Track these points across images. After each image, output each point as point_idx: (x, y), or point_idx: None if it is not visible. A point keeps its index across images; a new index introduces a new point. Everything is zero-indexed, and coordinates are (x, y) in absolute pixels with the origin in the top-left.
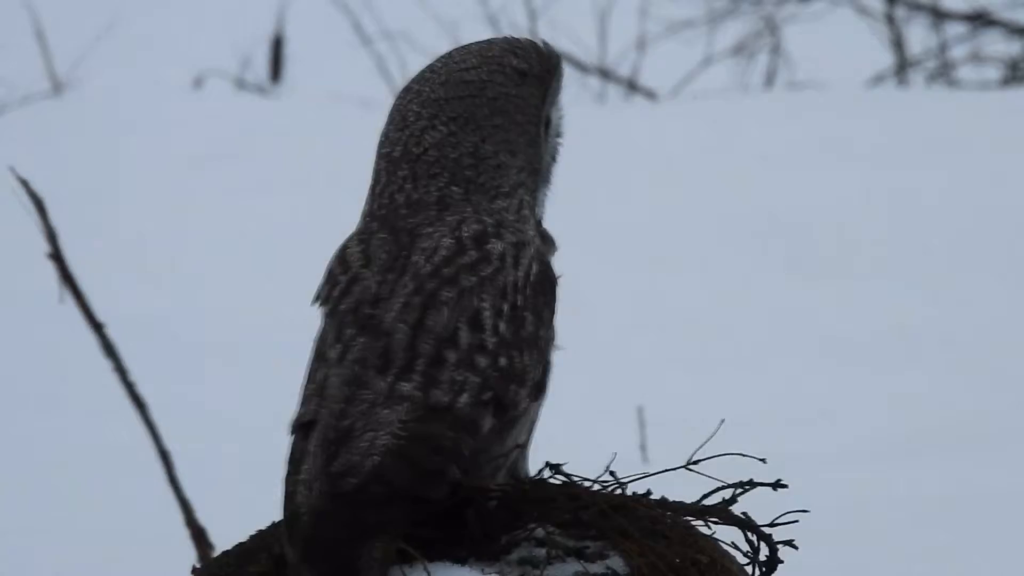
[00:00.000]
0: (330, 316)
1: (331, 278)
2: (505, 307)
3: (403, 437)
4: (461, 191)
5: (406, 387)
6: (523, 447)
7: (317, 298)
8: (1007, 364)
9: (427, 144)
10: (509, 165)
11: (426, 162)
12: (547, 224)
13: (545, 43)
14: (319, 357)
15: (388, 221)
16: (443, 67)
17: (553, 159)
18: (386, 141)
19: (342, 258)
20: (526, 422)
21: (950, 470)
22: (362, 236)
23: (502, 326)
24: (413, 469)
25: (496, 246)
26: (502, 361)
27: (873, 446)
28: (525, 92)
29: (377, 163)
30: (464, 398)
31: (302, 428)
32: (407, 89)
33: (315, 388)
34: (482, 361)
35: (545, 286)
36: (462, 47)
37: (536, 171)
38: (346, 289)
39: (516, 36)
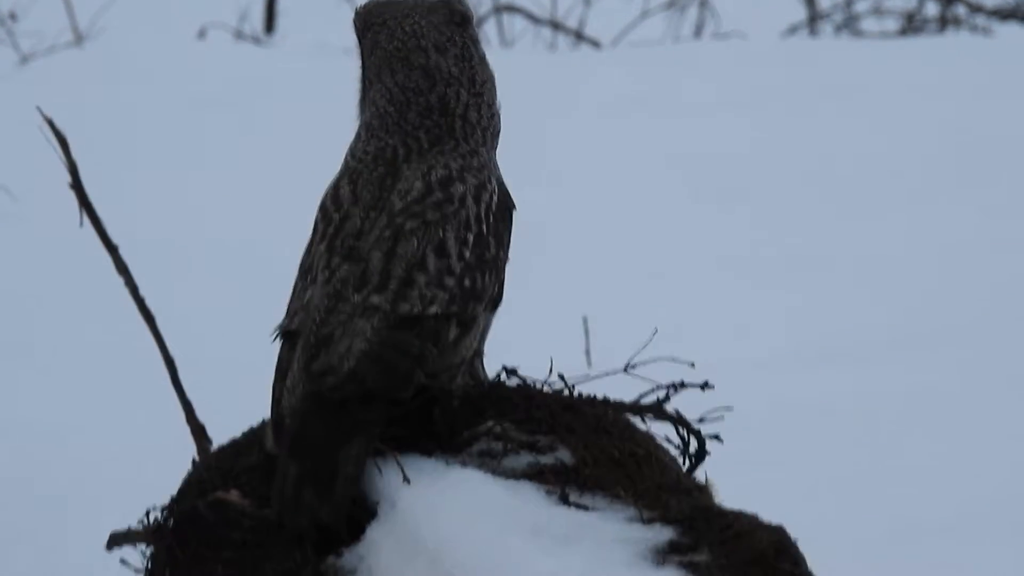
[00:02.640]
0: (325, 248)
1: (326, 214)
2: (469, 236)
3: (375, 343)
4: (432, 138)
5: (377, 299)
6: (479, 354)
7: (314, 230)
8: (893, 280)
9: (405, 96)
10: (470, 111)
11: (401, 113)
12: (503, 156)
13: None
14: (307, 279)
15: (373, 164)
16: (408, 20)
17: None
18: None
19: (335, 196)
20: (478, 331)
21: (848, 375)
22: (352, 176)
23: (467, 252)
24: (385, 371)
25: (458, 188)
26: (466, 282)
27: (783, 353)
28: (470, 37)
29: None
30: (433, 309)
31: (288, 339)
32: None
33: (301, 303)
34: (450, 281)
35: (504, 213)
36: None
37: (492, 114)
38: (339, 225)
39: None
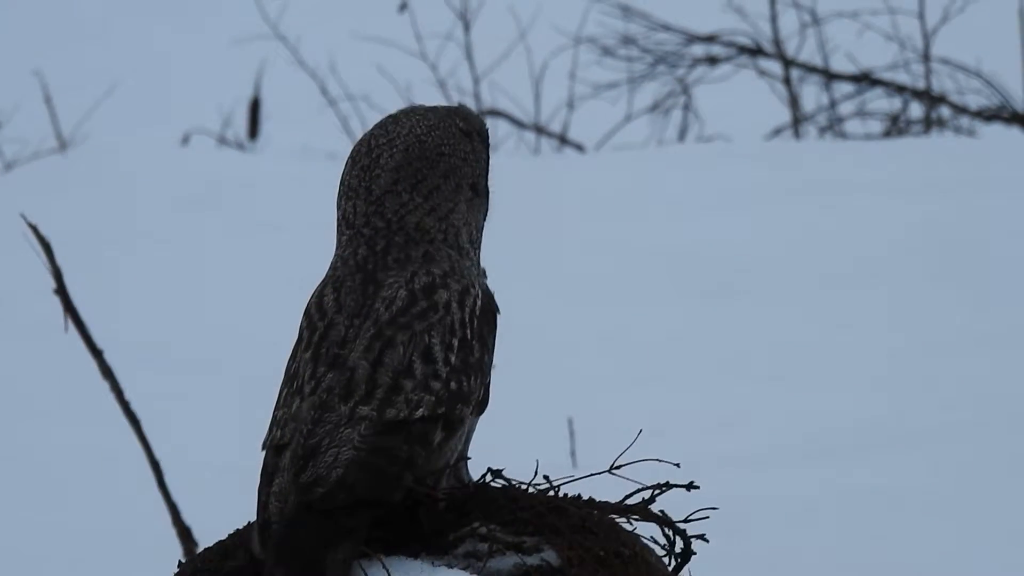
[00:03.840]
0: (310, 357)
1: (311, 322)
2: (454, 341)
3: (363, 449)
4: (420, 247)
5: (364, 409)
6: (464, 456)
7: (300, 339)
8: (878, 378)
9: (389, 211)
10: (457, 221)
11: (386, 224)
12: (489, 258)
13: (473, 110)
14: (292, 388)
15: (356, 271)
16: (397, 132)
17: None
18: (349, 198)
19: (320, 304)
20: (463, 434)
21: (841, 471)
22: (335, 284)
23: (452, 357)
24: (373, 477)
25: (442, 295)
26: (452, 385)
27: (772, 451)
28: (468, 151)
29: (342, 218)
30: (420, 412)
31: (274, 448)
32: (367, 151)
33: (288, 414)
34: (436, 385)
35: (488, 316)
36: (408, 111)
37: (478, 221)
38: (324, 333)
39: (450, 103)
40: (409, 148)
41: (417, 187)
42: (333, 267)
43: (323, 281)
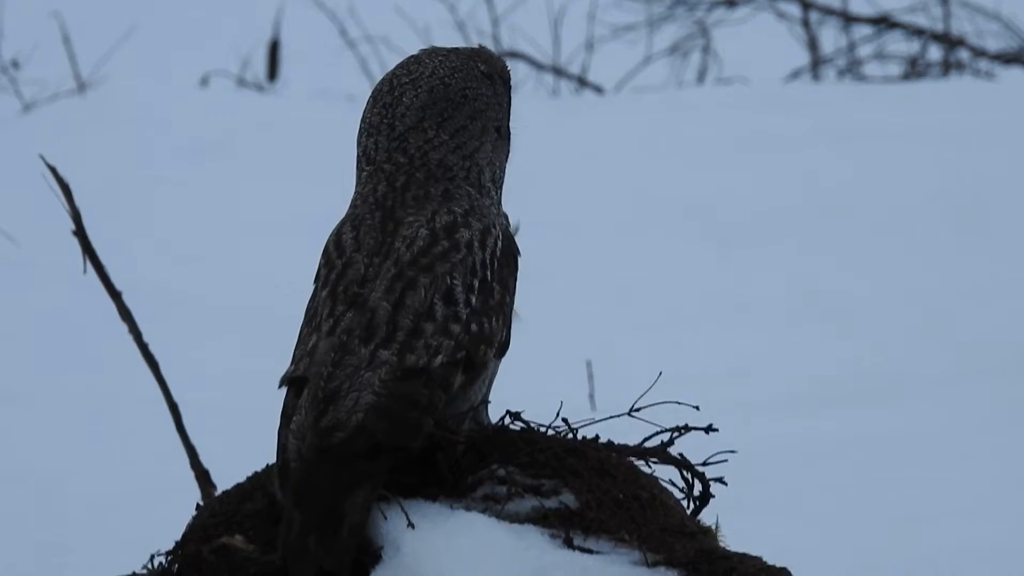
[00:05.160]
0: (328, 295)
1: (329, 260)
2: (475, 282)
3: (383, 395)
4: (440, 184)
5: (385, 354)
6: (486, 400)
7: (317, 277)
8: (893, 323)
9: (412, 147)
10: (481, 160)
11: (408, 160)
12: (509, 200)
13: (494, 52)
14: (312, 326)
15: (376, 209)
16: (420, 72)
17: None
18: (371, 135)
19: (338, 242)
20: (487, 377)
21: (857, 417)
22: (354, 222)
23: (473, 299)
24: (393, 423)
25: (464, 234)
26: (474, 327)
27: (789, 397)
28: (491, 94)
29: (363, 154)
30: (439, 359)
31: (292, 386)
32: (388, 90)
33: (306, 351)
34: (456, 328)
35: (509, 259)
36: (429, 52)
37: (502, 163)
38: (342, 272)
39: (470, 45)
40: (433, 89)
41: (443, 125)
42: (353, 205)
43: (342, 219)
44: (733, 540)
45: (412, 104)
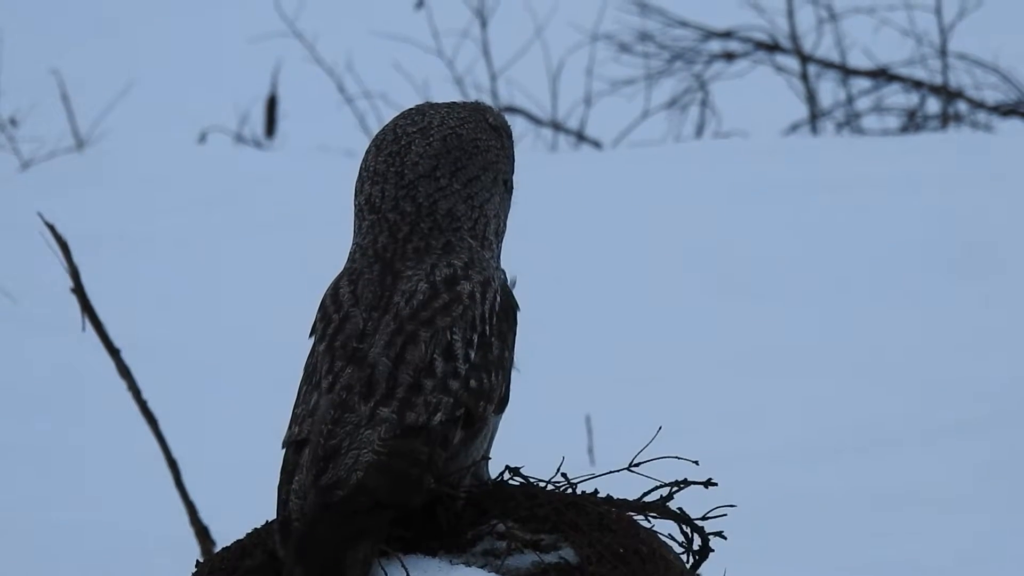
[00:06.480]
0: (325, 350)
1: (326, 314)
2: (475, 337)
3: (383, 453)
4: (443, 236)
5: (385, 411)
6: (486, 455)
7: (313, 332)
8: (896, 374)
9: (421, 195)
10: (489, 212)
11: (415, 209)
12: (508, 254)
13: (493, 107)
14: (311, 383)
15: (375, 261)
16: (428, 122)
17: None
18: (375, 183)
19: (335, 296)
20: (488, 433)
21: (857, 468)
22: (352, 276)
23: (472, 353)
24: (393, 480)
25: (465, 287)
26: (472, 383)
27: (790, 448)
28: (499, 147)
29: (365, 203)
30: (438, 417)
31: (294, 445)
32: (393, 139)
33: (307, 410)
34: (455, 384)
35: (508, 313)
36: (429, 105)
37: (506, 216)
38: (339, 326)
39: (468, 100)
40: (447, 138)
41: (456, 174)
42: (351, 259)
43: (339, 273)
44: None
45: (425, 152)
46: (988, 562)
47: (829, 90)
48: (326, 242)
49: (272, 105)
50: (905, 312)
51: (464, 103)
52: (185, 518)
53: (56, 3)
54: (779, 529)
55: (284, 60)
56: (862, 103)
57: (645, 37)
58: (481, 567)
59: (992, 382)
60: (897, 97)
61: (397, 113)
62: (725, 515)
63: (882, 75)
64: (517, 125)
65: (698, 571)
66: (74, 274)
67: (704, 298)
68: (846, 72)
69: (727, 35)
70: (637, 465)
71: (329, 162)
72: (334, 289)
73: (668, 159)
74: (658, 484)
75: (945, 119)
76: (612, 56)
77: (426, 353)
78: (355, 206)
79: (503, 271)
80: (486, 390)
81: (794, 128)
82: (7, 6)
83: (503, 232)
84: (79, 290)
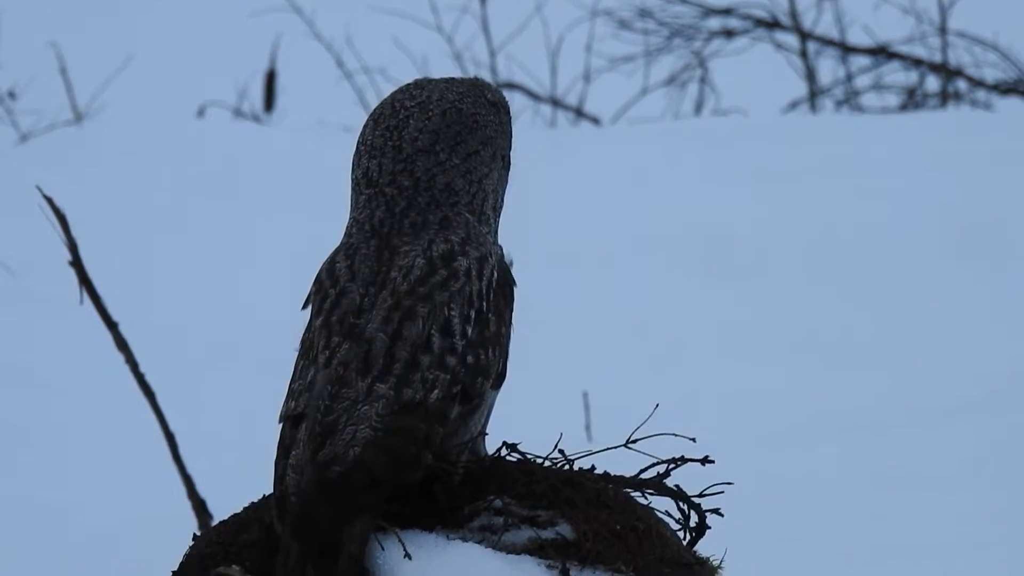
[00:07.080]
0: (322, 325)
1: (321, 289)
2: (471, 313)
3: (380, 429)
4: (440, 211)
5: (382, 387)
6: (483, 431)
7: (307, 305)
8: (894, 355)
9: (419, 169)
10: (487, 187)
11: (413, 183)
12: (506, 232)
13: (494, 84)
14: (308, 358)
15: (371, 236)
16: (427, 96)
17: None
18: (373, 156)
19: (331, 271)
20: (485, 409)
21: (857, 450)
22: (348, 251)
23: (469, 330)
24: (391, 457)
25: (462, 263)
26: (469, 359)
27: (790, 429)
28: (498, 122)
29: (362, 176)
30: (435, 393)
31: (291, 419)
32: (391, 112)
33: (303, 385)
34: (451, 360)
35: (505, 289)
36: (427, 80)
37: (503, 192)
38: (335, 301)
39: (466, 76)
40: (446, 112)
41: (455, 149)
42: (347, 233)
43: (336, 248)
44: (733, 573)
45: (424, 127)
46: (988, 543)
47: (828, 68)
48: (325, 217)
49: (271, 80)
50: (906, 291)
51: (462, 79)
52: (183, 491)
53: None
54: (779, 510)
55: (283, 35)
56: (861, 81)
57: (644, 14)
58: (478, 543)
59: (994, 362)
60: (897, 75)
61: (395, 88)
62: (722, 492)
63: (882, 53)
64: (516, 101)
65: (695, 548)
66: (72, 247)
67: (702, 277)
68: (846, 50)
69: (726, 12)
70: (634, 442)
71: (328, 137)
72: (330, 264)
73: (667, 136)
74: (655, 461)
75: (944, 97)
76: (611, 32)
77: (423, 329)
78: (352, 180)
79: (500, 246)
80: (483, 366)
81: (793, 106)
82: None
83: (501, 208)
84: (77, 263)
